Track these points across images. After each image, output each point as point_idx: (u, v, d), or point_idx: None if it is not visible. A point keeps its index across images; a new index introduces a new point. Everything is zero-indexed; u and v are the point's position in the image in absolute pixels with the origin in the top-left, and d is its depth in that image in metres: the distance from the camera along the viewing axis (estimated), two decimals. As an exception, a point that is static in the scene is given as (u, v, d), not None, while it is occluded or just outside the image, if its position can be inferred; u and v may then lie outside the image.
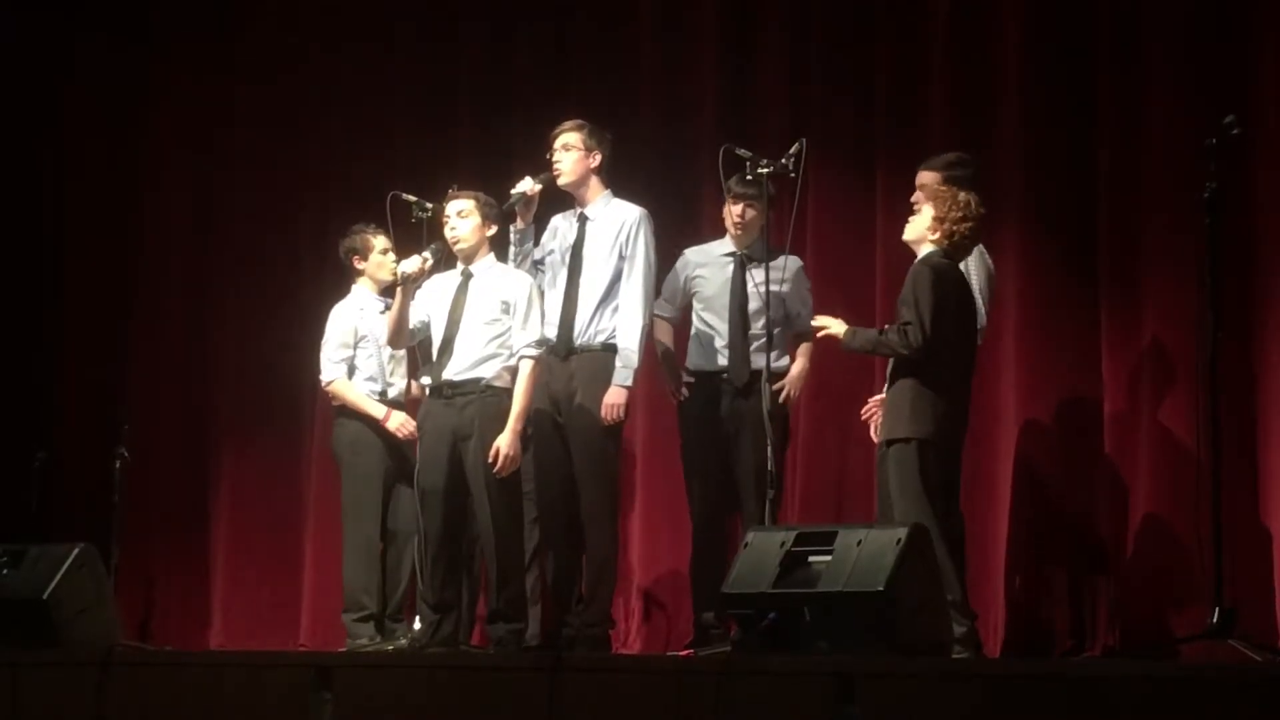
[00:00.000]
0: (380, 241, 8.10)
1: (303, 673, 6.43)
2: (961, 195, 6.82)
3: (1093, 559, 7.61)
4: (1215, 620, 6.54)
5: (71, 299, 9.99)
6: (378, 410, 8.03)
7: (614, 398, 7.39)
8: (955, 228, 6.76)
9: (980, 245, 7.12)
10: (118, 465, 8.83)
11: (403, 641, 7.75)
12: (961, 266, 6.91)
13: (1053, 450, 7.78)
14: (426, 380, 7.48)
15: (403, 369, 8.12)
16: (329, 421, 8.70)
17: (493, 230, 7.55)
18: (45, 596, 7.12)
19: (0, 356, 9.87)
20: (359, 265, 8.23)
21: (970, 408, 6.93)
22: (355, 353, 8.13)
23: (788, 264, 7.55)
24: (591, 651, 7.24)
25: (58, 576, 7.17)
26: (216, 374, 9.67)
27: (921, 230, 6.83)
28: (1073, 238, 7.82)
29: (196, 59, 9.92)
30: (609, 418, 7.38)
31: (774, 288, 7.48)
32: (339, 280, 8.74)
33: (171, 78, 9.97)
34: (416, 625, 7.64)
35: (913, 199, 7.01)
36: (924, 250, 6.82)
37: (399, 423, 7.97)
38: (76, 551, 7.28)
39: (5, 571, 7.34)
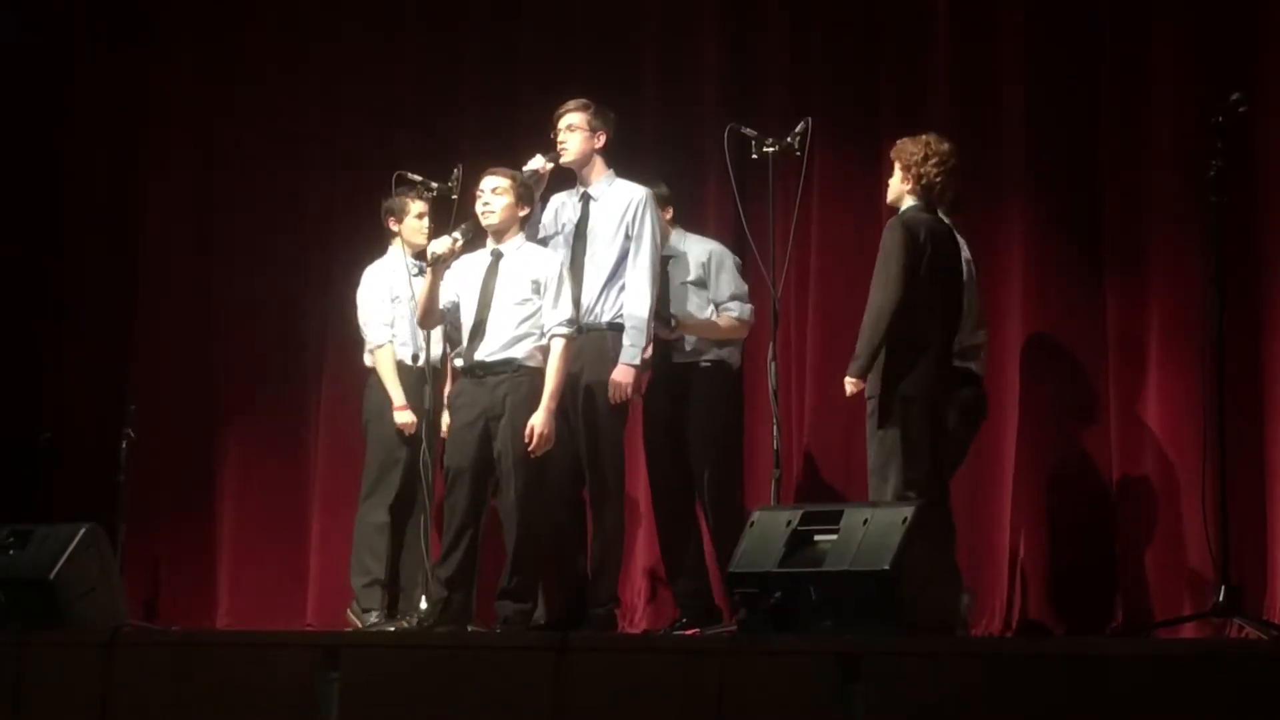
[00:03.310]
0: (417, 206, 8.11)
1: (310, 653, 6.44)
2: (921, 138, 6.87)
3: (1097, 537, 7.61)
4: (1221, 598, 6.54)
5: (76, 279, 9.98)
6: (397, 397, 8.06)
7: (622, 376, 7.40)
8: (922, 171, 6.81)
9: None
10: (124, 445, 8.82)
11: (406, 622, 7.75)
12: None
13: (1057, 429, 7.78)
14: (459, 362, 7.49)
15: (437, 334, 8.10)
16: (336, 399, 8.72)
17: (525, 211, 7.55)
18: (51, 577, 7.11)
19: (5, 337, 9.87)
20: (394, 227, 8.25)
21: (951, 362, 6.92)
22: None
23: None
24: (597, 631, 7.25)
25: (64, 557, 7.16)
26: (222, 353, 9.66)
27: (898, 188, 6.91)
28: (1077, 216, 7.81)
29: (199, 39, 9.91)
30: (616, 396, 7.39)
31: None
32: (345, 258, 8.77)
33: (175, 56, 9.95)
34: (423, 604, 7.65)
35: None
36: (904, 205, 6.85)
37: (405, 420, 8.02)
38: (83, 532, 7.28)
39: (12, 552, 7.34)
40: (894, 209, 6.98)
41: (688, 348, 7.76)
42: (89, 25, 10.09)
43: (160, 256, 9.83)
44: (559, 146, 7.61)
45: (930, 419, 6.69)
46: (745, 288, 7.89)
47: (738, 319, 7.80)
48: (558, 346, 7.33)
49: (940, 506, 6.70)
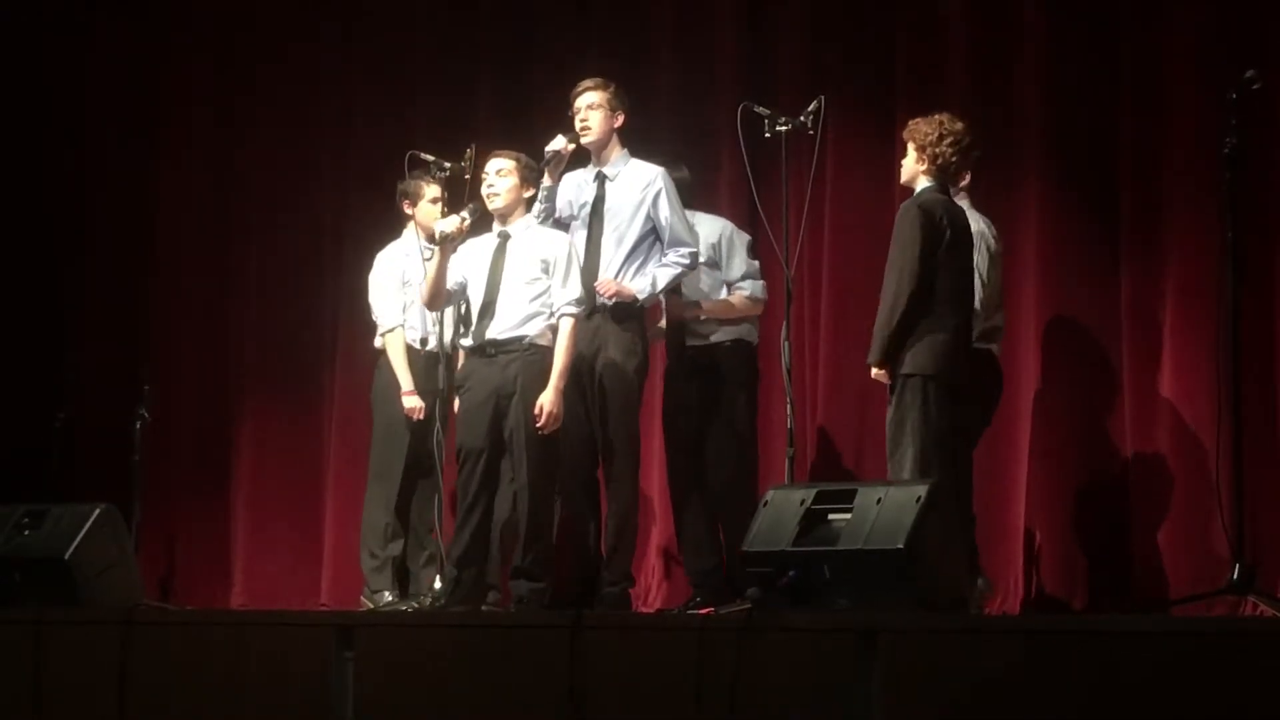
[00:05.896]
0: (432, 190, 8.11)
1: (324, 632, 6.45)
2: (934, 118, 6.86)
3: (1112, 516, 7.61)
4: (1235, 576, 6.54)
5: (92, 259, 9.99)
6: (405, 381, 8.08)
7: (636, 284, 7.42)
8: (937, 151, 6.79)
9: (985, 224, 7.11)
10: (139, 425, 8.85)
11: (424, 599, 7.77)
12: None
13: (1072, 408, 7.77)
14: (467, 342, 7.49)
15: (448, 319, 8.10)
16: (350, 380, 8.72)
17: (530, 192, 7.54)
18: (67, 556, 7.12)
19: (22, 317, 9.89)
20: (408, 210, 8.26)
21: (973, 343, 6.91)
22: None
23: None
24: (612, 609, 7.26)
25: (79, 536, 7.17)
26: (237, 334, 9.68)
27: (912, 168, 6.89)
28: (1093, 195, 7.80)
29: (216, 18, 9.91)
30: (605, 292, 7.40)
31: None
32: (360, 238, 8.78)
33: (192, 35, 9.96)
34: (438, 583, 7.66)
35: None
36: (919, 186, 6.83)
37: (412, 405, 8.03)
38: (98, 512, 7.28)
39: (27, 531, 7.35)
40: (907, 189, 6.96)
41: (704, 331, 7.77)
42: (107, 3, 10.09)
43: (176, 238, 9.85)
44: (580, 126, 7.57)
45: (949, 400, 6.68)
46: (757, 266, 7.90)
47: (750, 297, 7.81)
48: (566, 326, 7.33)
49: (959, 493, 6.71)
